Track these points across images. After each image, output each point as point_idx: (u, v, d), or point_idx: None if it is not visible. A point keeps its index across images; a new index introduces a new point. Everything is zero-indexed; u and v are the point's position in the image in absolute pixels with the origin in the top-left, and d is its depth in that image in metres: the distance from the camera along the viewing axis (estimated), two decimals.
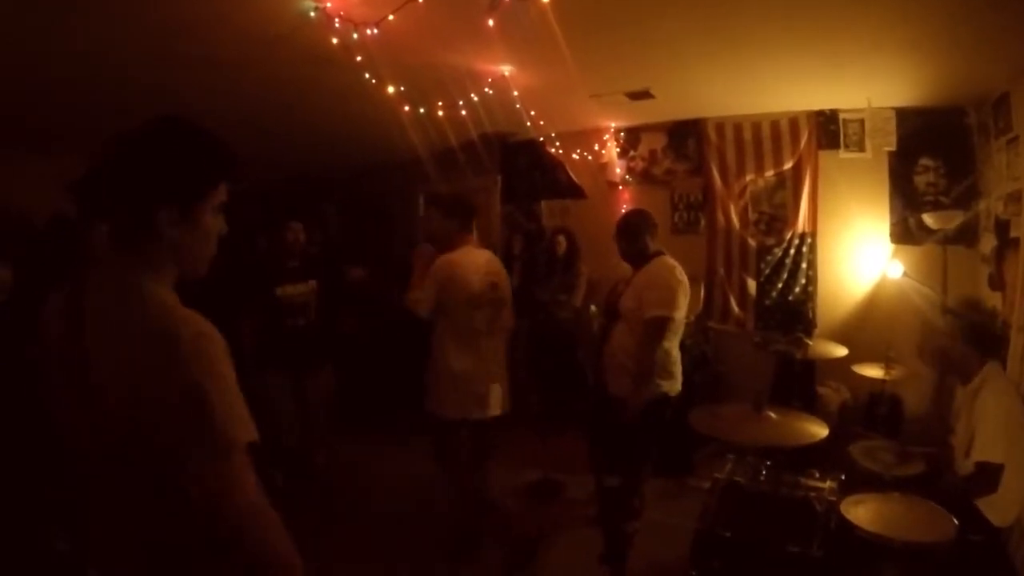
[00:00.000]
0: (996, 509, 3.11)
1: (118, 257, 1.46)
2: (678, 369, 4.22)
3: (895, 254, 5.69)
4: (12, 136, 5.96)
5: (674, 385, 4.17)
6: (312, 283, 4.95)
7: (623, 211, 6.77)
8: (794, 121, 6.09)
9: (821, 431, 3.16)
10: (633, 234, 4.28)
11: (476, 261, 4.28)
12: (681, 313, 4.11)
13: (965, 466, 3.30)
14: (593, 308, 4.84)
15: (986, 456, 3.16)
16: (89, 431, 1.42)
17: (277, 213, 5.00)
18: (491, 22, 3.60)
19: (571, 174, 7.37)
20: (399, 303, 4.17)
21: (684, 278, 4.14)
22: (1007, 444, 3.16)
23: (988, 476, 3.13)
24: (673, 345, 4.19)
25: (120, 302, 1.41)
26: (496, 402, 4.30)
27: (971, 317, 3.57)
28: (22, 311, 3.61)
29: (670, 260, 4.22)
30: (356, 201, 9.36)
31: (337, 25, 3.60)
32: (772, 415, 3.28)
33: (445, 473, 4.47)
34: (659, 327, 3.99)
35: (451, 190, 8.11)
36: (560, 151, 7.12)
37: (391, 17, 3.48)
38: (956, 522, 2.86)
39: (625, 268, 4.38)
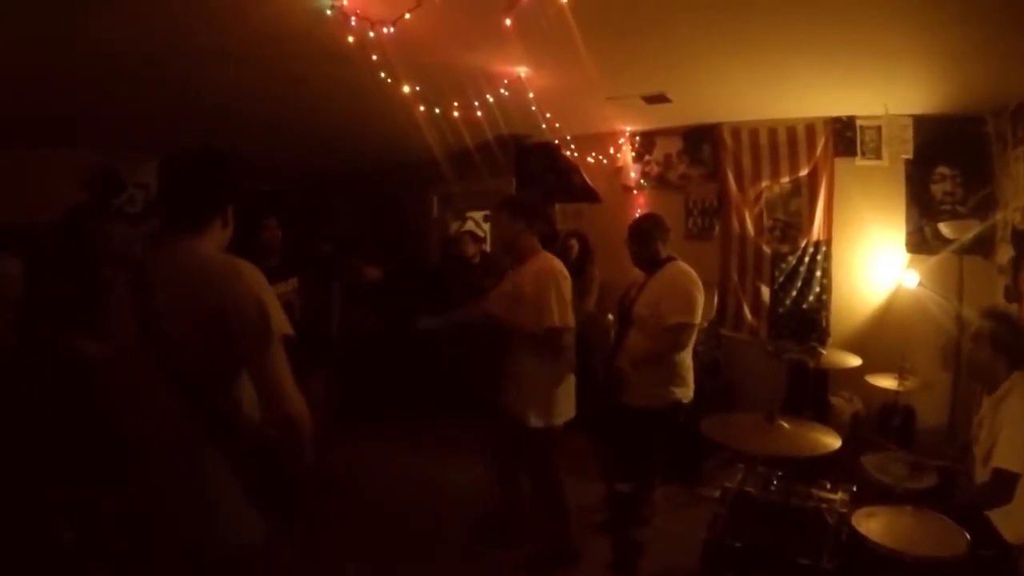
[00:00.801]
0: (1011, 524, 3.07)
1: (185, 241, 2.07)
2: (691, 376, 4.21)
3: (911, 263, 5.63)
4: (22, 132, 5.98)
5: (687, 392, 4.16)
6: (293, 281, 4.79)
7: (637, 216, 6.79)
8: (811, 127, 6.05)
9: (834, 442, 3.13)
10: (644, 239, 4.26)
11: (562, 265, 4.09)
12: (699, 318, 4.11)
13: (983, 474, 3.25)
14: (611, 317, 4.80)
15: (1005, 464, 3.11)
16: (155, 368, 1.93)
17: (296, 211, 4.93)
18: (508, 22, 3.59)
19: (586, 177, 7.34)
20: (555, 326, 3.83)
21: (699, 281, 4.13)
22: None
23: (1003, 484, 3.08)
24: (686, 352, 4.17)
25: (194, 263, 2.03)
26: None
27: (1003, 325, 3.53)
28: (39, 306, 3.63)
29: (684, 265, 4.20)
30: (370, 201, 9.35)
31: (353, 23, 3.59)
32: (784, 425, 3.25)
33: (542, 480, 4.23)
34: (683, 333, 3.99)
35: (465, 191, 8.14)
36: (575, 154, 7.11)
37: (407, 16, 3.47)
38: (968, 537, 2.82)
39: (638, 273, 4.36)
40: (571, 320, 3.87)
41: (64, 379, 3.19)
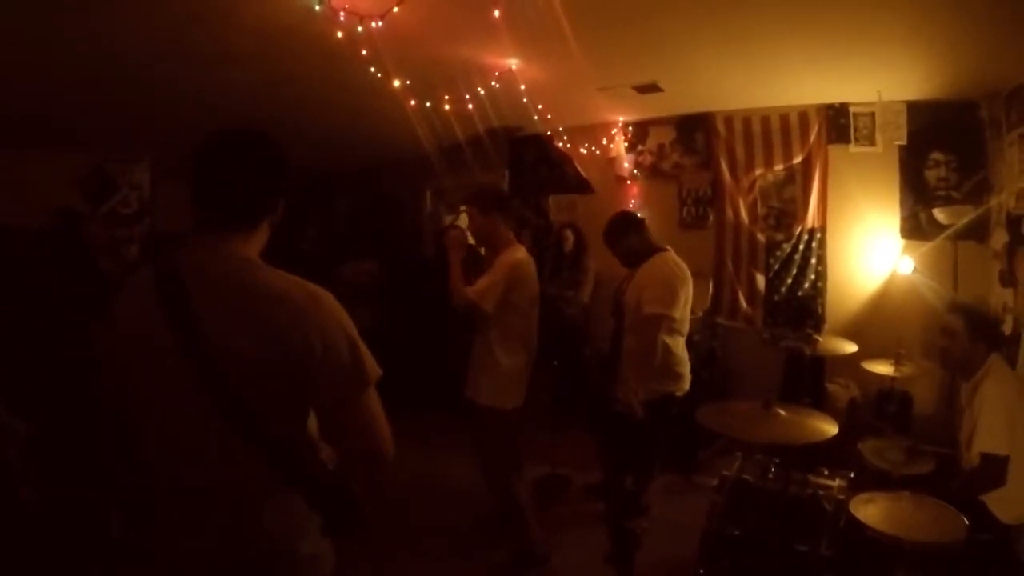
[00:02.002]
0: (1005, 506, 3.08)
1: (231, 245, 1.73)
2: (685, 368, 4.19)
3: (905, 249, 5.64)
4: (16, 133, 5.95)
5: (680, 384, 4.14)
6: None
7: (630, 206, 6.79)
8: (803, 115, 6.04)
9: (831, 429, 3.12)
10: (614, 237, 4.30)
11: (529, 260, 4.04)
12: (679, 311, 4.08)
13: (969, 458, 3.28)
14: None
15: (990, 447, 3.14)
16: (192, 389, 1.60)
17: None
18: (497, 13, 3.58)
19: (579, 169, 7.32)
20: (451, 294, 3.83)
21: (685, 273, 4.11)
22: (1012, 435, 3.15)
23: (994, 468, 3.11)
24: (677, 344, 4.16)
25: (244, 275, 1.68)
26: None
27: (975, 313, 3.58)
28: (42, 306, 3.64)
29: (670, 256, 4.19)
30: (363, 197, 9.35)
31: (342, 18, 3.59)
32: (781, 412, 3.24)
33: (493, 464, 4.13)
34: (654, 324, 3.96)
35: (458, 184, 8.13)
36: (568, 145, 7.10)
37: (395, 9, 3.46)
38: (966, 522, 2.82)
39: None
40: (488, 305, 3.76)
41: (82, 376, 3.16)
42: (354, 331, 1.72)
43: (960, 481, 3.35)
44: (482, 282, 3.81)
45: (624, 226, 4.33)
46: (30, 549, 3.20)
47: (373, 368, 1.74)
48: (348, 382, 1.69)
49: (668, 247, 4.30)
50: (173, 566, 1.78)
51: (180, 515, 1.75)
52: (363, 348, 1.73)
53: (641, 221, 4.44)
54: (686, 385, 4.18)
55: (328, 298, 1.72)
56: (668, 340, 4.04)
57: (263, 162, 1.80)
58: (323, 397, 1.69)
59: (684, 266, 4.17)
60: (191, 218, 1.76)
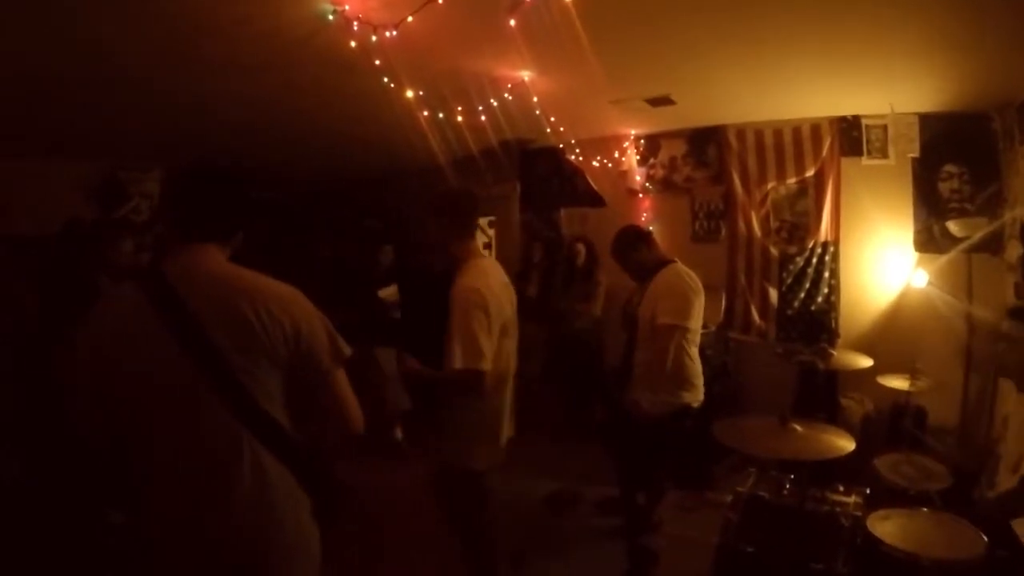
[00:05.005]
0: None
1: (212, 252, 1.99)
2: (700, 380, 4.17)
3: (919, 262, 5.60)
4: (27, 142, 5.98)
5: (696, 395, 4.12)
6: None
7: (642, 219, 6.78)
8: (816, 128, 6.02)
9: (848, 444, 3.08)
10: (623, 251, 4.29)
11: (497, 277, 3.38)
12: (695, 322, 4.07)
13: (1009, 479, 3.23)
14: None
15: None
16: (191, 380, 1.81)
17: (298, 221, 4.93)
18: (512, 23, 3.57)
19: (590, 181, 7.31)
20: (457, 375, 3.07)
21: (697, 284, 4.10)
22: None
23: None
24: (693, 355, 4.13)
25: (231, 276, 1.96)
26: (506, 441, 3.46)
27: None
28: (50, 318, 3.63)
29: (682, 268, 4.18)
30: (371, 208, 9.35)
31: (356, 28, 3.59)
32: (798, 428, 3.21)
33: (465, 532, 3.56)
34: (669, 335, 3.94)
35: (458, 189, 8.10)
36: (580, 158, 7.08)
37: (410, 19, 3.46)
38: (985, 538, 2.79)
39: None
40: (484, 363, 3.05)
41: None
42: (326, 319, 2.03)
43: (987, 501, 3.29)
44: (455, 340, 3.12)
45: (633, 240, 4.32)
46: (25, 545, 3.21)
47: (345, 348, 2.04)
48: (327, 358, 1.98)
49: (676, 259, 4.29)
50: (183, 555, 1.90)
51: (187, 503, 1.88)
52: (336, 332, 2.03)
53: (649, 234, 4.44)
54: (700, 396, 4.16)
55: (301, 293, 2.02)
56: (681, 350, 4.03)
57: (233, 188, 2.11)
58: (307, 371, 1.96)
59: (695, 277, 4.16)
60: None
